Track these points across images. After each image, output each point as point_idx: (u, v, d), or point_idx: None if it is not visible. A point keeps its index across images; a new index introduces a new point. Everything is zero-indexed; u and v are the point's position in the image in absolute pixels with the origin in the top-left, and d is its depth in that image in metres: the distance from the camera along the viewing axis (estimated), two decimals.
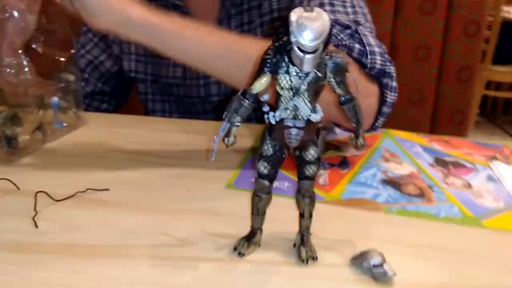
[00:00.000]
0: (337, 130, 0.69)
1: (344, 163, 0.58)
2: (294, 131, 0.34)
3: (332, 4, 0.64)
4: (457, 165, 0.59)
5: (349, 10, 0.65)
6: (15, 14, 0.56)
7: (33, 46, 0.60)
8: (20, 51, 0.58)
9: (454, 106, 1.14)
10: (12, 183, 0.50)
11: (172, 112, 0.88)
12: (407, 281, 0.37)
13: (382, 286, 0.36)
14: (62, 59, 0.63)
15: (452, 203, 0.49)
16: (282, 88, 0.33)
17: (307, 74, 0.32)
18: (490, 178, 0.56)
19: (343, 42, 0.59)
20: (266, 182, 0.37)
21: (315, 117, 0.34)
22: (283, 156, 0.36)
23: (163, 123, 0.75)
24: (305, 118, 0.34)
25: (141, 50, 0.82)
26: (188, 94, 0.82)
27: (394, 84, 0.63)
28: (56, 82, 0.64)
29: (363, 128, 0.37)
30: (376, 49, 0.60)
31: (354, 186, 0.53)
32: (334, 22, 0.61)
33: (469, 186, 0.53)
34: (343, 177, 0.55)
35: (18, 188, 0.50)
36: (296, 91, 0.32)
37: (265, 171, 0.37)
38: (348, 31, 0.60)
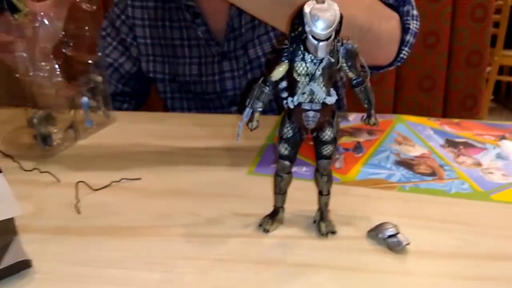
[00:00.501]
0: (351, 118, 0.72)
1: (358, 148, 0.61)
2: (311, 113, 0.37)
3: None
4: (467, 145, 0.62)
5: None
6: (45, 21, 0.60)
7: (63, 50, 0.64)
8: (51, 56, 0.62)
9: (465, 91, 1.16)
10: (53, 175, 0.54)
11: (191, 109, 0.92)
12: (421, 250, 0.40)
13: (397, 255, 0.39)
14: (89, 61, 0.67)
15: (462, 180, 0.52)
16: (299, 75, 0.36)
17: (321, 61, 0.35)
18: (499, 156, 0.58)
19: None
20: (287, 162, 0.41)
21: (330, 100, 0.37)
22: (302, 137, 0.40)
23: (183, 118, 0.79)
24: (321, 101, 0.37)
25: (158, 51, 0.86)
26: (204, 91, 0.86)
27: (415, 12, 0.63)
28: (85, 84, 0.69)
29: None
30: None
31: (368, 168, 0.56)
32: None
33: (479, 164, 0.56)
34: (357, 160, 0.58)
35: (59, 180, 0.54)
36: (312, 77, 0.36)
37: (286, 152, 0.40)
38: None
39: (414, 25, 0.63)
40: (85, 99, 0.68)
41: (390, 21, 0.61)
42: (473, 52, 1.12)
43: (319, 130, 0.39)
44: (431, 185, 0.51)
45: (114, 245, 0.42)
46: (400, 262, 0.39)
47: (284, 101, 0.38)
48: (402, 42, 0.64)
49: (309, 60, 0.35)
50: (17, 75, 0.59)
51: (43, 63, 0.63)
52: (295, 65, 0.36)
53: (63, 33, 0.63)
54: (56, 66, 0.64)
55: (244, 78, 0.83)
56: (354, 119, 0.72)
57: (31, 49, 0.58)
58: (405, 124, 0.69)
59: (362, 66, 0.37)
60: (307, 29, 0.33)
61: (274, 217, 0.43)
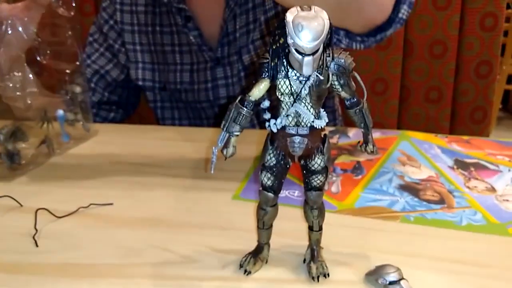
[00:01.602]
0: (350, 133, 0.66)
1: (358, 168, 0.55)
2: (297, 139, 0.32)
3: None
4: (479, 167, 0.55)
5: None
6: (17, 25, 0.55)
7: (38, 58, 0.59)
8: (25, 64, 0.57)
9: (474, 103, 1.09)
10: (14, 199, 0.49)
11: (182, 119, 0.87)
12: None
13: None
14: (67, 71, 0.62)
15: (474, 209, 0.46)
16: (282, 94, 0.30)
17: (308, 78, 0.29)
18: None
19: None
20: (271, 194, 0.35)
21: (319, 123, 0.31)
22: (287, 166, 0.34)
23: (171, 132, 0.74)
24: (308, 124, 0.31)
25: (147, 58, 0.81)
26: (197, 99, 0.81)
27: None
28: (63, 95, 0.64)
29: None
30: None
31: (368, 193, 0.50)
32: None
33: (492, 189, 0.50)
34: (357, 183, 0.52)
35: (21, 205, 0.49)
36: (297, 96, 0.30)
37: (269, 183, 0.34)
38: None
39: None
40: (60, 111, 0.63)
41: None
42: (483, 63, 1.06)
43: (307, 158, 0.33)
44: (439, 215, 0.45)
45: None
46: None
47: (266, 124, 0.32)
48: (400, 0, 0.58)
49: (294, 77, 0.29)
50: None
51: (14, 72, 0.58)
52: (278, 82, 0.30)
53: (38, 39, 0.58)
54: (30, 75, 0.59)
55: (238, 86, 0.78)
56: (354, 134, 0.66)
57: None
58: (409, 142, 0.63)
59: (359, 85, 0.31)
60: (289, 41, 0.27)
61: (257, 255, 0.38)
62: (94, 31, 0.85)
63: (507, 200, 0.48)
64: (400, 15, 0.60)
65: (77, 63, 0.64)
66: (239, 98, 0.32)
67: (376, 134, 0.65)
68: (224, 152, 0.32)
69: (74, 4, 0.59)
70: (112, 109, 0.88)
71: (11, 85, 0.57)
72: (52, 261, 0.39)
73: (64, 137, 0.64)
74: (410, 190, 0.50)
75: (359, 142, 0.33)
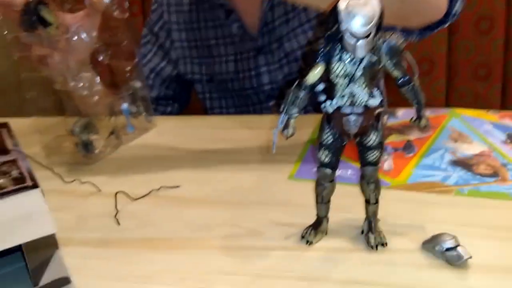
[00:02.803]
0: (399, 114, 0.67)
1: (409, 147, 0.57)
2: (352, 118, 0.34)
3: None
4: None
5: None
6: (80, 31, 0.61)
7: (100, 59, 0.65)
8: (90, 66, 0.63)
9: None
10: (94, 185, 0.55)
11: (229, 107, 0.92)
12: (484, 264, 0.36)
13: (457, 270, 0.35)
14: (128, 68, 0.68)
15: None
16: (337, 76, 0.33)
17: (361, 60, 0.32)
18: None
19: None
20: (329, 171, 0.38)
21: (374, 102, 0.34)
22: (343, 143, 0.36)
23: (223, 121, 0.78)
24: (363, 104, 0.34)
25: (194, 53, 0.86)
26: (242, 87, 0.86)
27: None
28: (125, 90, 0.69)
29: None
30: None
31: (421, 169, 0.51)
32: None
33: None
34: (408, 161, 0.53)
35: (100, 190, 0.54)
36: (351, 78, 0.32)
37: (327, 160, 0.37)
38: None
39: None
40: (125, 105, 0.69)
41: None
42: None
43: (363, 135, 0.36)
44: (493, 187, 0.46)
45: (152, 259, 0.41)
46: (461, 278, 0.35)
47: (322, 105, 0.35)
48: None
49: (348, 60, 0.32)
50: (56, 87, 0.60)
51: (82, 73, 0.63)
52: (332, 66, 0.33)
53: (99, 43, 0.64)
54: (95, 75, 0.65)
55: (280, 72, 0.82)
56: (403, 115, 0.67)
57: (66, 60, 0.59)
58: (460, 119, 0.63)
59: (410, 64, 0.33)
60: (343, 27, 0.30)
61: (317, 227, 0.41)
62: (146, 33, 0.91)
63: None
64: (454, 10, 0.61)
65: (135, 60, 0.70)
66: (296, 82, 0.35)
67: (426, 113, 0.66)
68: (285, 133, 0.35)
69: (127, 7, 0.64)
70: (169, 103, 0.95)
71: (80, 85, 0.63)
72: (133, 237, 0.45)
73: (130, 128, 0.70)
74: (463, 165, 0.51)
75: (412, 117, 0.35)
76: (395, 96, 0.91)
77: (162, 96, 0.93)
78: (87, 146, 0.62)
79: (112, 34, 0.65)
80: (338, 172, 0.52)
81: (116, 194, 0.51)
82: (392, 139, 0.59)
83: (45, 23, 0.56)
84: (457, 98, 1.13)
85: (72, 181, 0.56)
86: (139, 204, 0.50)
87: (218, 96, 0.91)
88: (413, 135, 0.60)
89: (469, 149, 0.55)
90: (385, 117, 0.64)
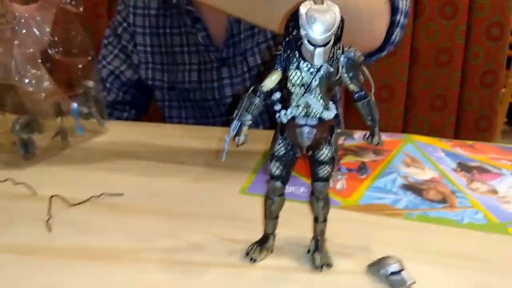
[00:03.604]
0: (356, 136, 0.68)
1: (363, 168, 0.57)
2: (306, 129, 0.33)
3: None
4: (481, 170, 0.56)
5: None
6: (32, 25, 0.57)
7: (51, 54, 0.61)
8: (39, 61, 0.59)
9: (478, 112, 1.10)
10: (30, 187, 0.50)
11: (189, 118, 0.89)
12: None
13: None
14: (80, 66, 0.64)
15: (476, 209, 0.47)
16: (293, 85, 0.32)
17: (318, 69, 0.31)
18: None
19: None
20: (279, 184, 0.36)
21: (328, 114, 0.33)
22: (296, 156, 0.35)
23: (179, 130, 0.75)
24: (318, 115, 0.32)
25: (158, 59, 0.84)
26: (203, 98, 0.84)
27: None
28: (76, 89, 0.65)
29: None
30: None
31: (372, 191, 0.51)
32: None
33: (494, 191, 0.51)
34: (361, 182, 0.53)
35: (36, 193, 0.50)
36: (307, 87, 0.31)
37: (277, 172, 0.35)
38: None
39: (403, 4, 0.60)
40: (74, 105, 0.65)
41: None
42: (488, 72, 1.07)
43: (315, 148, 0.34)
44: (441, 213, 0.46)
45: (82, 271, 0.37)
46: None
47: (277, 115, 0.33)
48: (393, 23, 0.60)
49: (305, 68, 0.31)
50: None
51: (30, 69, 0.59)
52: (289, 74, 0.31)
53: (51, 38, 0.60)
54: (44, 72, 0.61)
55: (243, 85, 0.81)
56: (359, 137, 0.67)
57: (11, 53, 0.55)
58: (414, 145, 0.64)
59: (366, 79, 0.32)
60: (302, 32, 0.28)
61: (263, 244, 0.39)
62: (109, 34, 0.88)
63: (508, 202, 0.48)
64: (393, 37, 0.61)
65: (89, 58, 0.66)
66: (252, 88, 0.33)
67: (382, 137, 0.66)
68: (236, 140, 0.34)
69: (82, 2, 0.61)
70: (126, 109, 0.91)
71: (27, 81, 0.59)
72: (64, 245, 0.41)
73: (78, 130, 0.66)
74: (413, 190, 0.51)
75: (365, 134, 0.34)
76: (354, 120, 0.91)
77: (119, 101, 0.89)
78: (26, 146, 0.58)
79: (65, 29, 0.61)
80: (291, 189, 0.51)
81: (51, 197, 0.47)
82: (347, 160, 0.59)
83: None
84: (414, 126, 1.16)
85: (5, 181, 0.51)
86: (76, 211, 0.47)
87: (178, 105, 0.89)
88: (368, 157, 0.60)
89: (420, 175, 0.55)
90: (342, 138, 0.64)
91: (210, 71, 0.82)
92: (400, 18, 0.60)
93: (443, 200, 0.49)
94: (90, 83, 0.66)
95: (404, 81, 1.12)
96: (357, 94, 0.33)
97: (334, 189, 0.51)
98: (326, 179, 0.35)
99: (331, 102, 0.33)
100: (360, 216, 0.46)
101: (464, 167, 0.57)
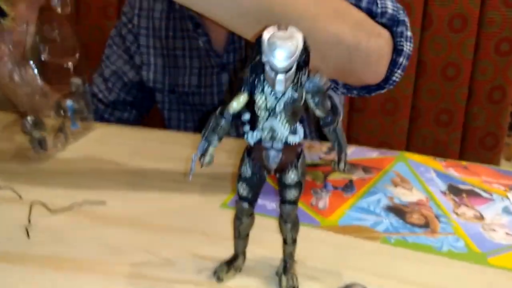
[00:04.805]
0: (349, 150, 0.67)
1: (349, 187, 0.56)
2: (272, 153, 0.33)
3: None
4: (471, 193, 0.55)
5: None
6: (19, 25, 0.58)
7: (40, 55, 0.62)
8: (30, 61, 0.60)
9: (485, 128, 1.08)
10: (14, 191, 0.51)
11: (187, 121, 0.90)
12: None
13: None
14: (69, 64, 0.65)
15: (458, 236, 0.46)
16: (258, 108, 0.32)
17: (283, 94, 0.30)
18: (506, 210, 0.51)
19: None
20: (246, 205, 0.36)
21: (294, 139, 0.32)
22: (263, 178, 0.35)
23: (169, 136, 0.75)
24: (283, 140, 0.32)
25: (160, 61, 0.85)
26: (203, 102, 0.84)
27: (409, 33, 0.60)
28: (66, 87, 0.67)
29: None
30: None
31: (354, 211, 0.50)
32: None
33: (481, 217, 0.49)
34: (345, 201, 0.52)
35: (20, 197, 0.51)
36: (271, 112, 0.31)
37: (245, 193, 0.35)
38: None
39: (407, 47, 0.60)
40: (69, 102, 0.66)
41: (379, 38, 0.57)
42: (496, 88, 1.05)
43: (282, 172, 0.34)
44: (421, 239, 0.45)
45: (53, 279, 0.38)
46: None
47: (245, 136, 0.33)
48: (395, 64, 0.60)
49: (269, 93, 0.31)
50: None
51: (20, 69, 0.61)
52: (255, 97, 0.31)
53: (40, 37, 0.61)
54: (35, 71, 0.63)
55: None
56: (351, 153, 0.66)
57: (14, 54, 0.56)
58: (406, 163, 0.63)
59: (333, 105, 0.32)
60: (264, 58, 0.28)
61: (231, 263, 0.38)
62: (114, 34, 0.89)
63: (494, 230, 0.47)
64: (394, 78, 0.61)
65: (77, 56, 0.67)
66: (219, 108, 0.33)
67: (374, 154, 0.65)
68: (201, 160, 0.34)
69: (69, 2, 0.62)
70: (126, 109, 0.92)
71: (17, 80, 0.61)
72: (39, 253, 0.41)
73: (74, 126, 0.67)
74: (397, 212, 0.50)
75: (332, 160, 0.34)
76: (358, 130, 0.89)
77: (120, 101, 0.90)
78: (41, 143, 0.60)
79: (53, 29, 0.63)
80: (271, 205, 0.50)
81: (31, 203, 0.47)
82: (334, 177, 0.58)
83: (2, 14, 0.54)
84: (418, 141, 1.14)
85: None
86: (56, 217, 0.47)
87: (177, 108, 0.89)
88: (356, 175, 0.59)
89: (407, 196, 0.54)
90: (333, 154, 0.63)
91: (210, 76, 0.82)
92: (403, 60, 0.60)
93: (426, 225, 0.48)
94: (78, 81, 0.67)
95: (409, 94, 1.10)
96: (323, 120, 0.32)
97: (316, 208, 0.50)
98: (293, 203, 0.35)
99: (298, 126, 0.33)
100: (337, 238, 0.45)
101: (453, 189, 0.56)
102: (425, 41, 1.06)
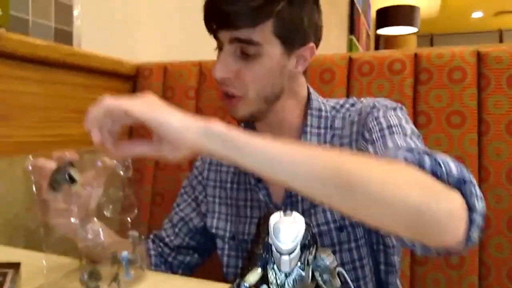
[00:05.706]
0: None
1: None
2: None
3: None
4: None
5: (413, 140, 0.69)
6: (88, 189, 0.69)
7: (104, 212, 0.72)
8: (95, 218, 0.69)
9: None
10: None
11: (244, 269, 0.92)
12: None
13: None
14: (129, 219, 0.73)
15: None
16: (271, 283, 0.34)
17: (290, 273, 0.33)
18: None
19: (411, 159, 0.60)
20: None
21: None
22: None
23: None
24: None
25: (223, 210, 0.92)
26: (259, 251, 0.87)
27: (478, 191, 0.60)
28: (125, 240, 0.74)
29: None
30: (447, 158, 0.60)
31: None
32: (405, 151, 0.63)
33: None
34: None
35: None
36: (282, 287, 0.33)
37: None
38: (414, 152, 0.62)
39: (480, 205, 0.59)
40: (125, 253, 0.72)
41: (449, 199, 0.58)
42: None
43: None
44: None
45: None
46: None
47: None
48: (471, 223, 0.58)
49: (279, 270, 0.33)
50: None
51: (88, 225, 0.70)
52: (268, 273, 0.34)
53: (104, 197, 0.71)
54: (99, 227, 0.71)
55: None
56: None
57: (80, 214, 0.66)
58: None
59: (343, 282, 0.33)
60: (270, 241, 0.32)
61: None
62: (186, 185, 1.01)
63: None
64: (472, 237, 0.61)
65: (135, 211, 0.76)
66: (237, 280, 0.36)
67: None
68: None
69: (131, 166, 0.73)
70: (189, 253, 0.98)
71: (88, 236, 0.69)
72: None
73: (128, 276, 0.72)
74: None
75: None
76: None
77: (184, 245, 0.97)
78: None
79: (116, 189, 0.73)
80: None
81: None
82: None
83: (72, 181, 0.65)
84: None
85: None
86: None
87: (236, 255, 0.93)
88: None
89: None
90: None
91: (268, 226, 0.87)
92: (478, 218, 0.60)
93: None
94: (135, 233, 0.74)
95: (475, 247, 1.03)
96: None
97: None
98: None
99: None
100: None
101: None
102: (484, 147, 1.02)
